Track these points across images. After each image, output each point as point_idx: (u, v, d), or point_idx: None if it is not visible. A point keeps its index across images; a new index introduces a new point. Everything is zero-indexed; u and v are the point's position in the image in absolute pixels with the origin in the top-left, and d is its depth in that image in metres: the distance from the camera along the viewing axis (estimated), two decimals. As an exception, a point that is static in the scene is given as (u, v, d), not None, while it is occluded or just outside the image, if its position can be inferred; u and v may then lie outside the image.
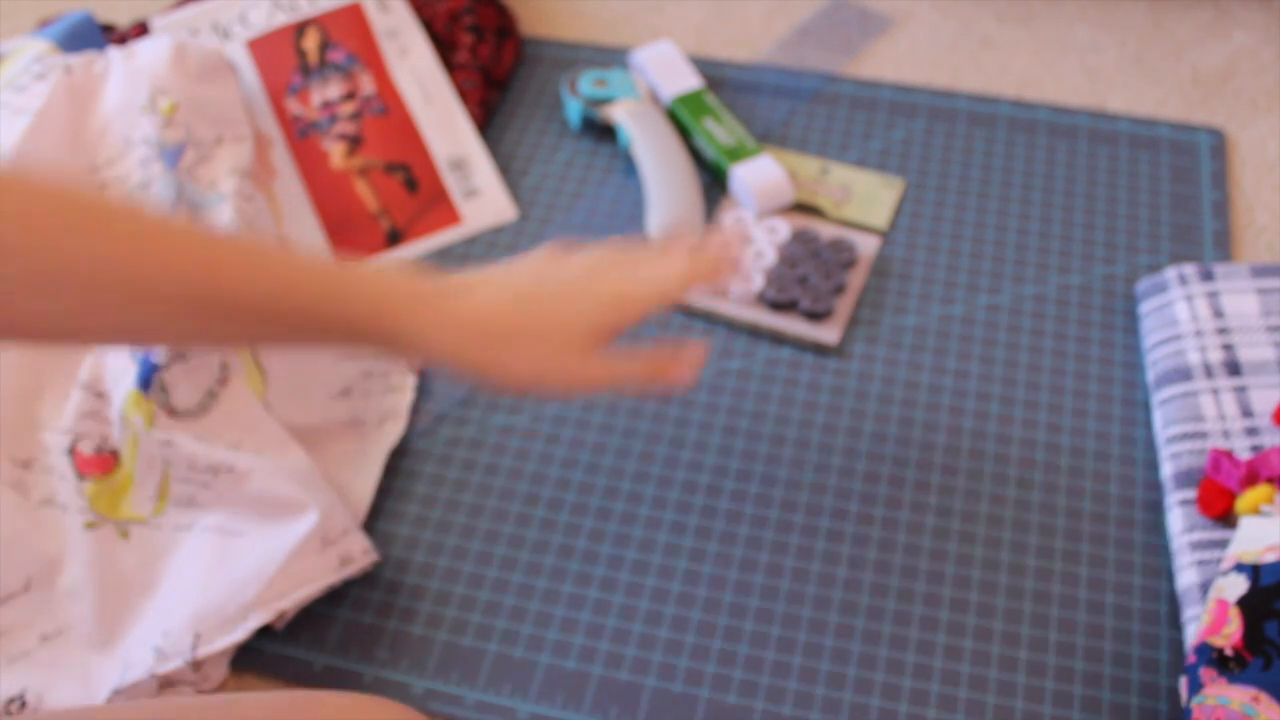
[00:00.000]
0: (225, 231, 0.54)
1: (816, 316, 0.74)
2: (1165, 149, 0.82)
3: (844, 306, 0.74)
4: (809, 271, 0.75)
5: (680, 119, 0.82)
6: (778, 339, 0.74)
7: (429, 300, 0.56)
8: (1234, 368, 0.67)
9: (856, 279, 0.76)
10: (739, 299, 0.75)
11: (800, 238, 0.77)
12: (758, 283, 0.75)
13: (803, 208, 0.79)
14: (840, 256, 0.76)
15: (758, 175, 0.78)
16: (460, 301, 0.56)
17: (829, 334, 0.73)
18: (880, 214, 0.79)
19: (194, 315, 0.52)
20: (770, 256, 0.76)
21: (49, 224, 0.48)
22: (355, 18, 0.84)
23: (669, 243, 0.62)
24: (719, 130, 0.81)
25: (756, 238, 0.77)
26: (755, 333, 0.74)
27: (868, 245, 0.77)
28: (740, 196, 0.79)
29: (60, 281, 0.48)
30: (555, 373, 0.57)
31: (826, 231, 0.78)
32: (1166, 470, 0.66)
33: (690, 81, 0.84)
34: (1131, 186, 0.80)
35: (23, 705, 0.59)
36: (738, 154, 0.80)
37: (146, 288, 0.50)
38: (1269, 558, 0.57)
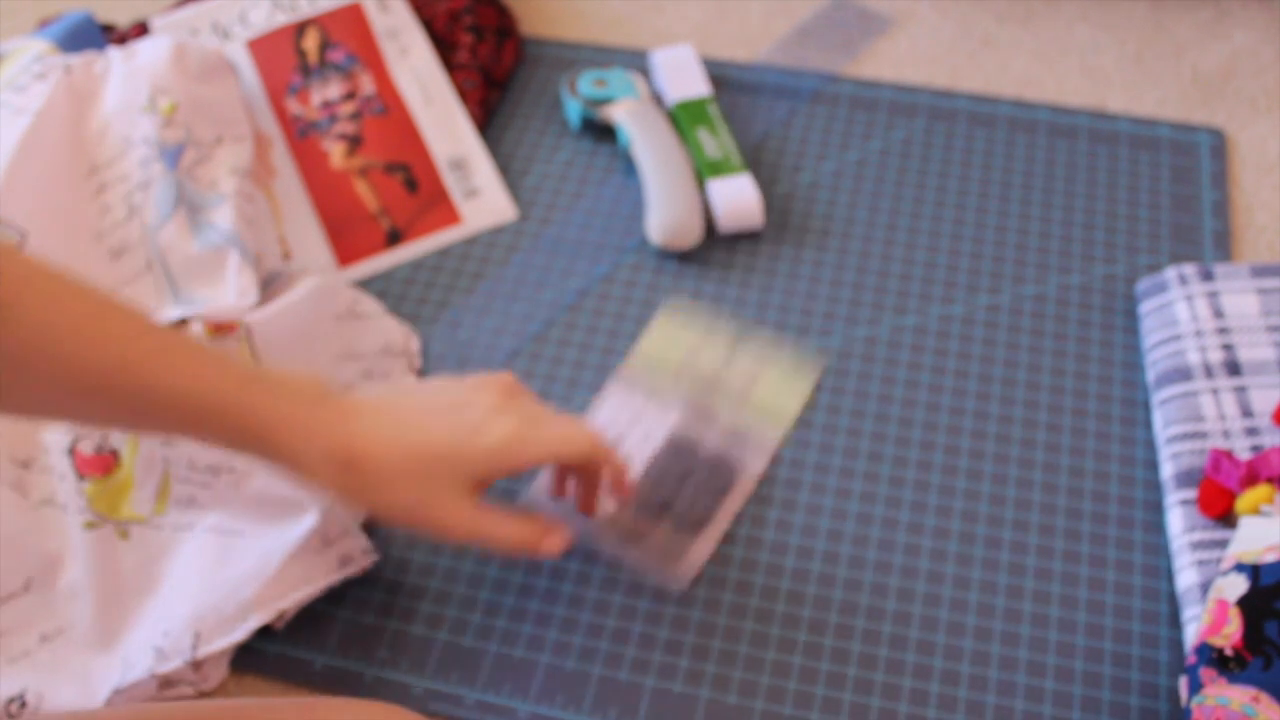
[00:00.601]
0: (147, 320, 0.53)
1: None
2: (1165, 149, 0.82)
3: (700, 547, 0.64)
4: (673, 497, 0.65)
5: (678, 123, 0.82)
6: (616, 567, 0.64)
7: (313, 426, 0.54)
8: (1234, 368, 0.67)
9: (731, 504, 0.65)
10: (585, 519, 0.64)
11: (676, 449, 0.66)
12: (608, 506, 0.64)
13: (709, 386, 0.70)
14: (716, 481, 0.66)
15: (729, 194, 0.77)
16: (341, 431, 0.54)
17: (675, 579, 0.63)
18: (789, 405, 0.70)
19: (107, 405, 0.52)
20: (636, 468, 0.66)
21: None
22: (355, 18, 0.84)
23: (584, 424, 0.60)
24: (710, 142, 0.80)
25: (628, 440, 0.67)
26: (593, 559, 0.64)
27: (757, 459, 0.67)
28: (715, 212, 0.78)
29: None
30: (426, 518, 0.56)
31: (711, 442, 0.67)
32: (1166, 470, 0.66)
33: (699, 89, 0.83)
34: (1131, 186, 0.80)
35: (23, 705, 0.59)
36: (719, 169, 0.78)
37: (64, 381, 0.50)
38: (1269, 558, 0.57)
